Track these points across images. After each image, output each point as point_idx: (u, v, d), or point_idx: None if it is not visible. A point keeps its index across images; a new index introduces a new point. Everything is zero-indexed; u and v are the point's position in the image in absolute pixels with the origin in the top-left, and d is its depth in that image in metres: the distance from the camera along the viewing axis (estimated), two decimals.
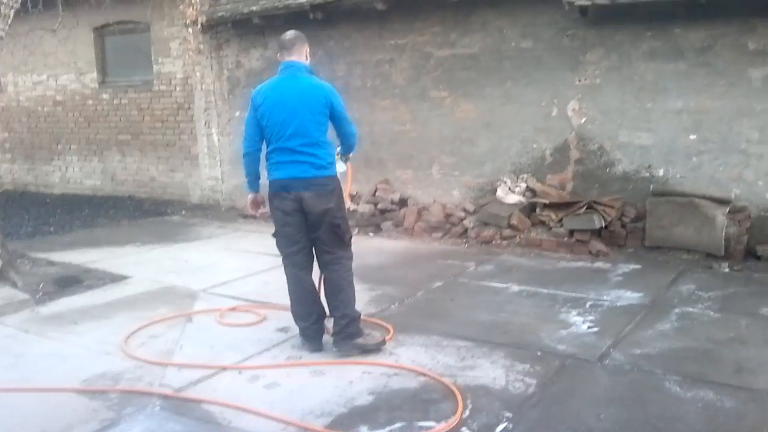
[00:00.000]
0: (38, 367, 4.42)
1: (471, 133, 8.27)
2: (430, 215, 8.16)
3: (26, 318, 5.39)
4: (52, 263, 6.93)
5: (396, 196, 8.62)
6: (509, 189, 7.73)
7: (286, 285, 4.58)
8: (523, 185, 7.72)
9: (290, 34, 4.52)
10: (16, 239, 8.11)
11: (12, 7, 6.42)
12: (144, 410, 3.78)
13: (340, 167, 4.72)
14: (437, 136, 8.51)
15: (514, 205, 7.58)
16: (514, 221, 7.40)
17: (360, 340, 4.46)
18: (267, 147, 4.46)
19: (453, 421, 3.52)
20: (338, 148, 4.75)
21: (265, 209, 4.79)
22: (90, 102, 11.57)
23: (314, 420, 3.59)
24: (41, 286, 6.10)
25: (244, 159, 4.55)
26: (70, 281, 6.26)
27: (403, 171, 8.81)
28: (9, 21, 6.48)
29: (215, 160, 10.24)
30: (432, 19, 8.31)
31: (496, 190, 7.83)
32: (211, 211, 9.84)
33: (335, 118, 4.49)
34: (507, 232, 7.42)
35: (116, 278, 6.41)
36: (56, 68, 11.79)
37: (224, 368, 4.27)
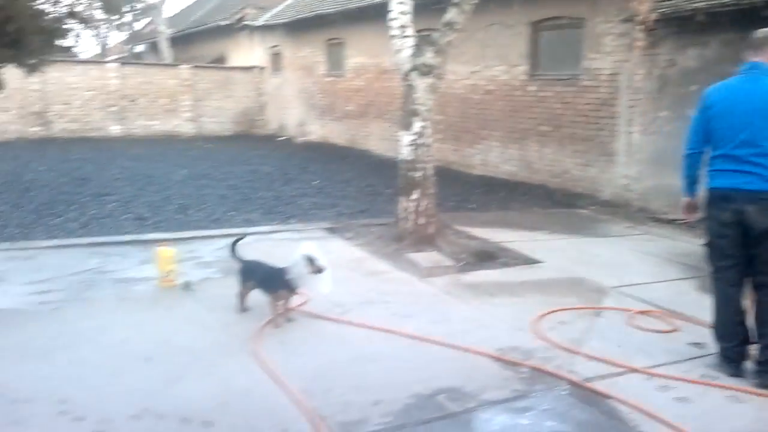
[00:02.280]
0: (459, 328, 4.91)
1: None
2: None
3: (449, 282, 6.00)
4: (472, 237, 7.58)
5: None
6: None
7: (713, 300, 4.30)
8: None
9: (764, 32, 4.15)
10: (442, 211, 9.02)
11: (472, 3, 7.09)
12: (552, 391, 3.93)
13: None
14: None
15: None
16: None
17: None
18: (712, 152, 4.22)
19: None
20: None
21: (698, 215, 4.54)
22: (517, 93, 12.24)
23: None
24: (463, 256, 6.72)
25: (684, 160, 4.39)
26: (487, 256, 6.77)
27: None
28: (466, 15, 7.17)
29: (632, 159, 10.01)
30: None
31: None
32: (621, 210, 9.68)
33: None
34: None
35: (528, 260, 6.75)
36: (489, 60, 12.72)
37: (634, 370, 4.21)
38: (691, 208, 4.48)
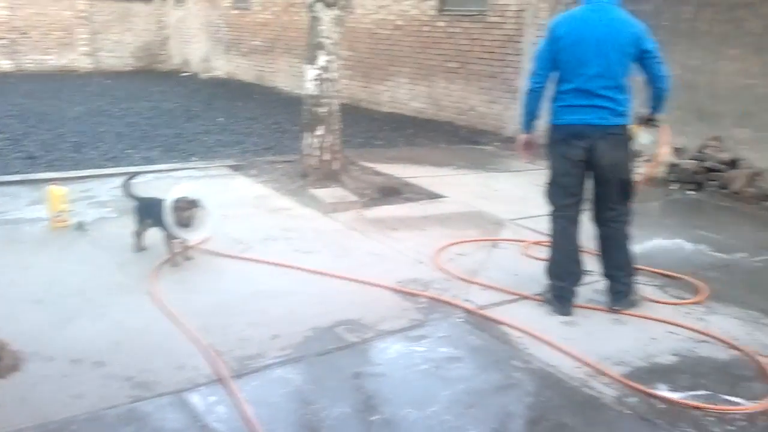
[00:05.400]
0: (360, 262, 4.95)
1: None
2: (765, 182, 7.30)
3: (353, 218, 6.02)
4: (377, 173, 7.59)
5: (726, 156, 7.84)
6: None
7: (551, 240, 4.29)
8: None
9: None
10: (349, 147, 8.96)
11: None
12: (448, 319, 4.06)
13: (644, 138, 4.19)
14: None
15: None
16: None
17: (634, 298, 4.30)
18: (560, 86, 4.10)
19: (766, 403, 3.23)
20: (641, 113, 4.21)
21: (535, 153, 4.42)
22: (426, 28, 12.16)
23: (611, 366, 3.55)
24: (367, 191, 6.74)
25: (528, 95, 4.19)
26: (392, 191, 6.82)
27: (740, 129, 7.93)
28: None
29: None
30: None
31: None
32: None
33: (646, 59, 3.99)
34: None
35: (432, 195, 6.84)
36: None
37: (525, 297, 4.38)
38: (529, 144, 4.35)
